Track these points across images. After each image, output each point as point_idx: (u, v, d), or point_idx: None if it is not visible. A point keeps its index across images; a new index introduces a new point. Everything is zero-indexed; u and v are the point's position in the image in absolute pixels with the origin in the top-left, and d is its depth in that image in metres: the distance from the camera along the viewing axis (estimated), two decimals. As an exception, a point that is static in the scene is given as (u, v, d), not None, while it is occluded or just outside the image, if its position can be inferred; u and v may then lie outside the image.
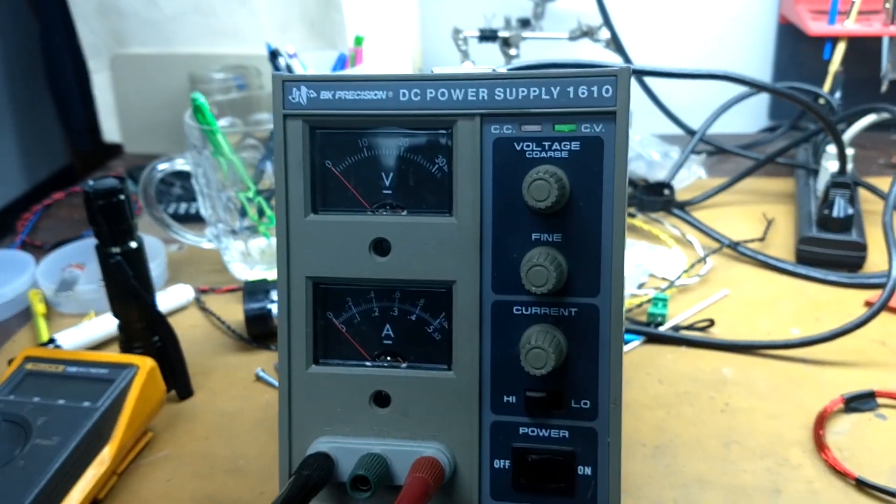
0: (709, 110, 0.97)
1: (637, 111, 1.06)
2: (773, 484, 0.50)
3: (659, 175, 0.90)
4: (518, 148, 0.36)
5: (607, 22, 0.93)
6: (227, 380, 0.64)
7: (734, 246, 0.78)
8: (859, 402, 0.57)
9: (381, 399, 0.39)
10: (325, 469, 0.36)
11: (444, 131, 0.36)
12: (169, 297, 0.74)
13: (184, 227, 0.79)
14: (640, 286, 0.74)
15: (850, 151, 0.79)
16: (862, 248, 0.73)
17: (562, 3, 1.08)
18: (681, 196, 0.90)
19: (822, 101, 0.89)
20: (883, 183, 0.91)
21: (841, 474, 0.50)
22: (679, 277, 0.73)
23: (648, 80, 1.00)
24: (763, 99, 1.20)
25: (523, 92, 0.35)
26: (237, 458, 0.54)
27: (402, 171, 0.37)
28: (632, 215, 0.85)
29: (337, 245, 0.38)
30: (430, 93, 0.36)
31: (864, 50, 0.96)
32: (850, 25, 0.85)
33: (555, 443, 0.36)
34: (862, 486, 0.49)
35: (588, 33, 0.99)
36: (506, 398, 0.37)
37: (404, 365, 0.38)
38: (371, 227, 0.38)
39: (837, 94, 0.92)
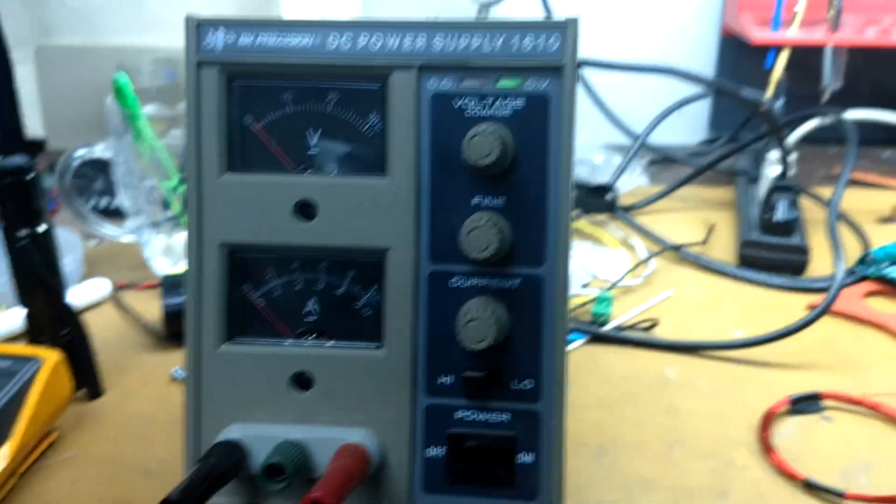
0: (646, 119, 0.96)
1: (583, 117, 1.05)
2: (719, 485, 0.48)
3: (602, 179, 0.89)
4: (458, 105, 0.33)
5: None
6: (141, 379, 0.59)
7: (677, 249, 0.76)
8: (805, 403, 0.55)
9: (302, 381, 0.35)
10: (234, 458, 0.32)
11: (377, 84, 0.33)
12: (84, 292, 0.68)
13: (103, 220, 0.74)
14: (585, 286, 0.72)
15: (792, 157, 0.79)
16: (804, 251, 0.72)
17: (505, 7, 1.06)
18: (624, 201, 0.88)
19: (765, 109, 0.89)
20: (824, 194, 0.92)
21: (788, 476, 0.48)
22: (623, 278, 0.71)
23: (595, 86, 0.99)
24: (703, 111, 1.20)
25: (464, 41, 0.32)
26: (148, 460, 0.50)
27: (330, 128, 0.34)
28: (576, 218, 0.83)
29: (255, 208, 0.34)
30: (363, 40, 0.33)
31: (806, 64, 0.97)
32: (793, 33, 0.85)
33: (494, 427, 0.33)
34: (810, 487, 0.47)
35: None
36: (441, 379, 0.33)
37: (329, 343, 0.34)
38: (294, 187, 0.34)
39: (780, 102, 0.93)
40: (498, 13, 1.07)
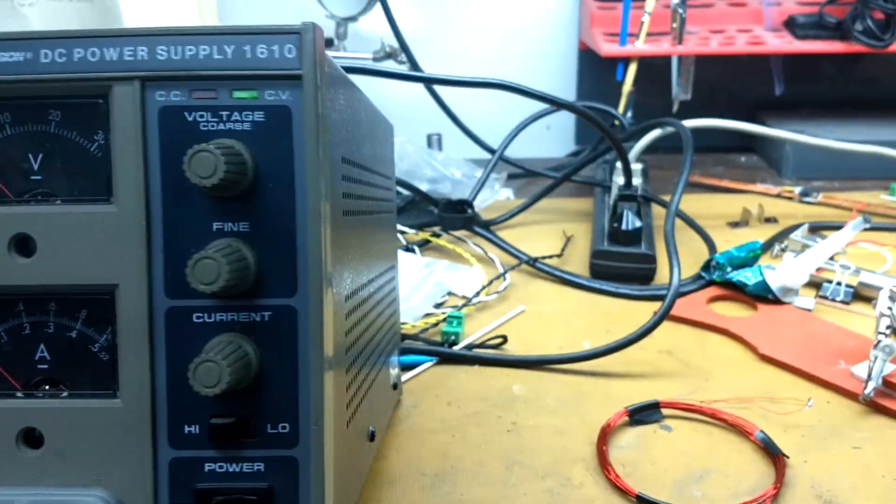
0: (520, 137, 0.97)
1: (447, 134, 1.05)
2: (554, 506, 0.47)
3: (464, 195, 0.88)
4: (190, 119, 0.30)
5: (403, 46, 0.90)
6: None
7: (532, 262, 0.76)
8: (643, 413, 0.55)
9: (31, 438, 0.31)
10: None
11: (100, 100, 0.30)
12: None
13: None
14: (439, 305, 0.70)
15: (637, 166, 0.81)
16: (651, 259, 0.73)
17: (365, 23, 1.05)
18: (486, 215, 0.88)
19: (617, 122, 0.91)
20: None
21: (622, 492, 0.48)
22: (477, 295, 0.70)
23: (455, 103, 0.98)
24: (570, 125, 1.22)
25: (191, 50, 0.29)
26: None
27: (52, 151, 0.31)
28: (436, 235, 0.82)
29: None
30: (79, 53, 0.29)
31: (656, 75, 1.00)
32: (640, 46, 0.87)
33: (248, 479, 0.30)
34: (642, 502, 0.47)
35: (392, 55, 0.96)
36: (187, 428, 0.30)
37: (64, 394, 0.31)
38: (7, 220, 0.30)
39: (629, 114, 0.95)
40: (357, 29, 1.06)
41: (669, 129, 0.78)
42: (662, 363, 0.62)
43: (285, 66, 0.29)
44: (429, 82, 0.57)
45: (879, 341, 0.55)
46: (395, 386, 0.53)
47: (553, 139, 1.21)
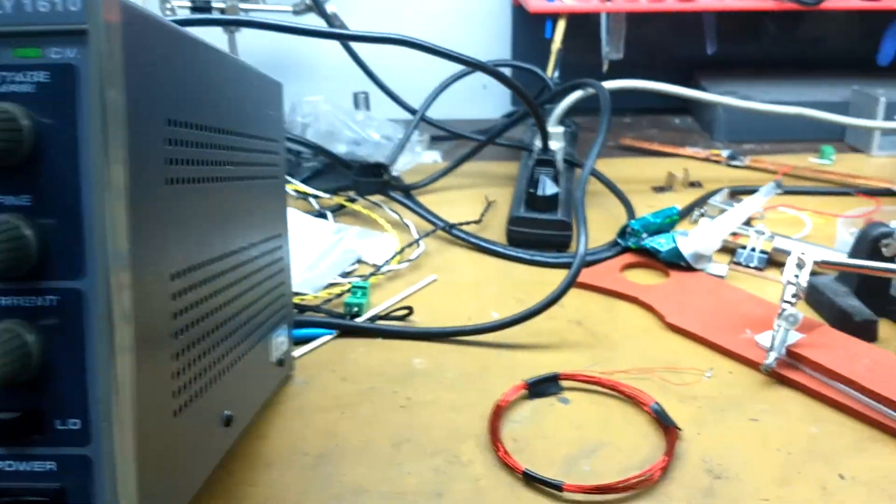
0: (454, 98, 0.94)
1: (377, 94, 1.01)
2: (437, 486, 0.45)
3: (386, 157, 0.85)
4: None
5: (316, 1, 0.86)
6: None
7: (448, 229, 0.74)
8: (542, 386, 0.54)
9: None
10: None
11: None
12: None
13: None
14: (347, 275, 0.68)
15: (558, 129, 0.78)
16: (567, 226, 0.71)
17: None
18: (409, 179, 0.85)
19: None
20: (607, 165, 0.93)
21: (510, 468, 0.47)
22: (387, 263, 0.68)
23: (385, 62, 0.95)
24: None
25: None
26: None
27: None
28: (351, 200, 0.79)
29: None
30: None
31: (587, 33, 0.97)
32: (568, 2, 0.84)
33: (39, 479, 0.27)
34: (530, 480, 0.46)
35: (313, 7, 0.92)
36: None
37: None
38: None
39: (556, 74, 0.92)
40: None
41: (590, 91, 0.76)
42: (570, 333, 0.61)
43: (70, 21, 0.26)
44: (323, 37, 0.54)
45: (784, 310, 0.54)
46: (280, 362, 0.51)
47: (489, 100, 1.18)
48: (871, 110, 0.95)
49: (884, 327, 0.59)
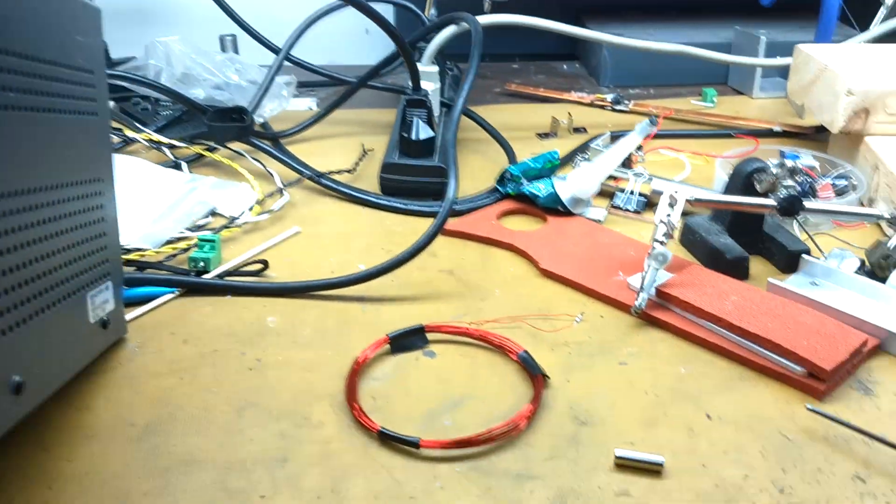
0: (335, 43, 0.87)
1: (246, 42, 0.94)
2: (281, 452, 0.41)
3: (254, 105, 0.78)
4: None
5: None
6: None
7: (317, 178, 0.68)
8: (406, 340, 0.50)
9: None
10: None
11: None
12: None
13: None
14: (199, 228, 0.62)
15: (431, 69, 0.74)
16: (444, 172, 0.67)
17: None
18: (278, 127, 0.79)
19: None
20: (492, 111, 0.89)
21: (366, 428, 0.43)
22: (242, 215, 0.62)
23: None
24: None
25: None
26: None
27: None
28: (211, 149, 0.72)
29: None
30: None
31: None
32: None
33: None
34: (384, 438, 0.42)
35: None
36: None
37: None
38: None
39: (433, 12, 0.87)
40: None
41: (464, 26, 0.71)
42: (441, 284, 0.57)
43: None
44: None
45: (654, 249, 0.52)
46: (104, 324, 0.45)
47: (373, 44, 1.13)
48: (753, 50, 0.94)
49: (756, 264, 0.58)
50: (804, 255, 0.55)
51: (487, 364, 0.49)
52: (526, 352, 0.48)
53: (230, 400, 0.45)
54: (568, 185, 0.64)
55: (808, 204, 0.55)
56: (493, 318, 0.52)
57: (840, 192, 0.66)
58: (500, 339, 0.49)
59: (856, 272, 0.54)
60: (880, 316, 0.50)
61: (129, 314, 0.51)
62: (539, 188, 0.65)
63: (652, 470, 0.40)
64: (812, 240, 0.59)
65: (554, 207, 0.64)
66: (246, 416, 0.44)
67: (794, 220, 0.60)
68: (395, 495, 0.39)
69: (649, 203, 0.67)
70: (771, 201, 0.55)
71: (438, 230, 0.54)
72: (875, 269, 0.54)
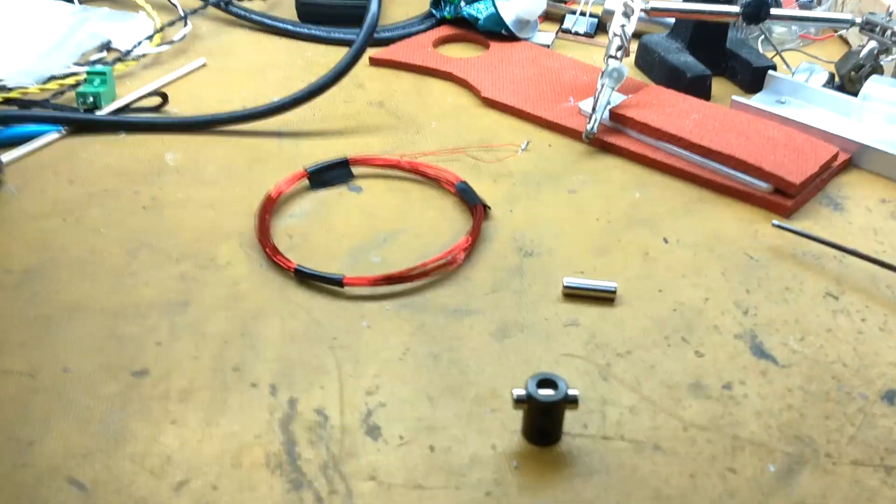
0: None
1: None
2: (181, 296, 0.36)
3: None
4: None
5: None
6: None
7: (224, 6, 0.60)
8: (328, 174, 0.44)
9: None
10: None
11: None
12: None
13: None
14: (89, 63, 0.53)
15: None
16: (368, -5, 0.59)
17: None
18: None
19: None
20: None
21: (281, 268, 0.37)
22: (139, 46, 0.54)
23: None
24: None
25: None
26: None
27: None
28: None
29: None
30: None
31: None
32: None
33: None
34: (302, 277, 0.37)
35: None
36: None
37: None
38: None
39: None
40: None
41: None
42: (370, 117, 0.51)
43: None
44: None
45: (608, 65, 0.46)
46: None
47: None
48: None
49: (719, 85, 0.53)
50: (770, 72, 0.50)
51: (421, 198, 0.43)
52: (464, 182, 0.42)
53: (121, 241, 0.39)
54: (511, 5, 0.56)
55: (774, 11, 0.49)
56: (429, 150, 0.46)
57: (804, 7, 0.60)
58: (435, 171, 0.44)
59: (824, 86, 0.49)
60: (851, 129, 0.45)
61: (7, 155, 0.44)
62: (479, 9, 0.57)
63: (604, 298, 0.36)
64: (779, 54, 0.54)
65: (497, 31, 0.57)
66: (140, 257, 0.38)
67: (760, 33, 0.54)
68: (314, 337, 0.34)
69: (601, 25, 0.60)
70: (735, 7, 0.49)
71: (363, 48, 0.47)
72: (846, 82, 0.49)
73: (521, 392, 0.29)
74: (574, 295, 0.36)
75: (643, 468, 0.29)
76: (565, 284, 0.36)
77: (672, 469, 0.29)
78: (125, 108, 0.49)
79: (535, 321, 0.35)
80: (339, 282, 0.36)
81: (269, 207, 0.41)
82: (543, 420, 0.29)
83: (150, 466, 0.28)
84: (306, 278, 0.37)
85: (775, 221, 0.39)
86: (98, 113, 0.48)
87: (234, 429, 0.30)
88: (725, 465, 0.29)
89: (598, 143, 0.47)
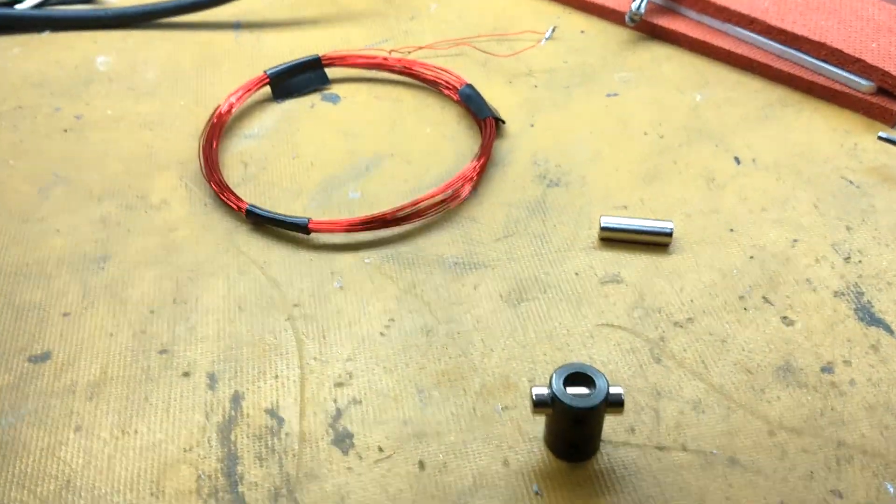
0: None
1: None
2: (100, 247, 0.28)
3: None
4: None
5: None
6: None
7: None
8: (295, 78, 0.34)
9: None
10: None
11: None
12: None
13: None
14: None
15: None
16: None
17: None
18: None
19: None
20: None
21: (230, 208, 0.29)
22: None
23: None
24: None
25: None
26: None
27: None
28: None
29: None
30: None
31: None
32: None
33: None
34: (256, 220, 0.28)
35: None
36: None
37: None
38: None
39: None
40: None
41: None
42: (351, 1, 0.40)
43: None
44: None
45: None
46: None
47: None
48: None
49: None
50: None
51: (414, 109, 0.34)
52: (470, 86, 0.33)
53: (33, 175, 0.31)
54: None
55: None
56: (426, 43, 0.36)
57: None
58: (434, 72, 0.34)
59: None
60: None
61: None
62: None
63: (656, 242, 0.27)
64: None
65: None
66: (53, 197, 0.30)
67: None
68: (269, 304, 0.26)
69: None
70: None
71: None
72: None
73: (543, 391, 0.21)
74: (615, 239, 0.27)
75: (714, 491, 0.21)
76: (603, 226, 0.27)
77: (755, 493, 0.21)
78: (50, 0, 0.39)
79: (562, 278, 0.26)
80: (303, 227, 0.28)
81: (219, 126, 0.32)
82: (574, 430, 0.21)
83: (41, 495, 0.21)
84: (262, 222, 0.28)
85: (882, 133, 0.30)
86: (17, 7, 0.38)
87: (157, 438, 0.22)
88: (828, 487, 0.21)
89: (647, 28, 0.37)
